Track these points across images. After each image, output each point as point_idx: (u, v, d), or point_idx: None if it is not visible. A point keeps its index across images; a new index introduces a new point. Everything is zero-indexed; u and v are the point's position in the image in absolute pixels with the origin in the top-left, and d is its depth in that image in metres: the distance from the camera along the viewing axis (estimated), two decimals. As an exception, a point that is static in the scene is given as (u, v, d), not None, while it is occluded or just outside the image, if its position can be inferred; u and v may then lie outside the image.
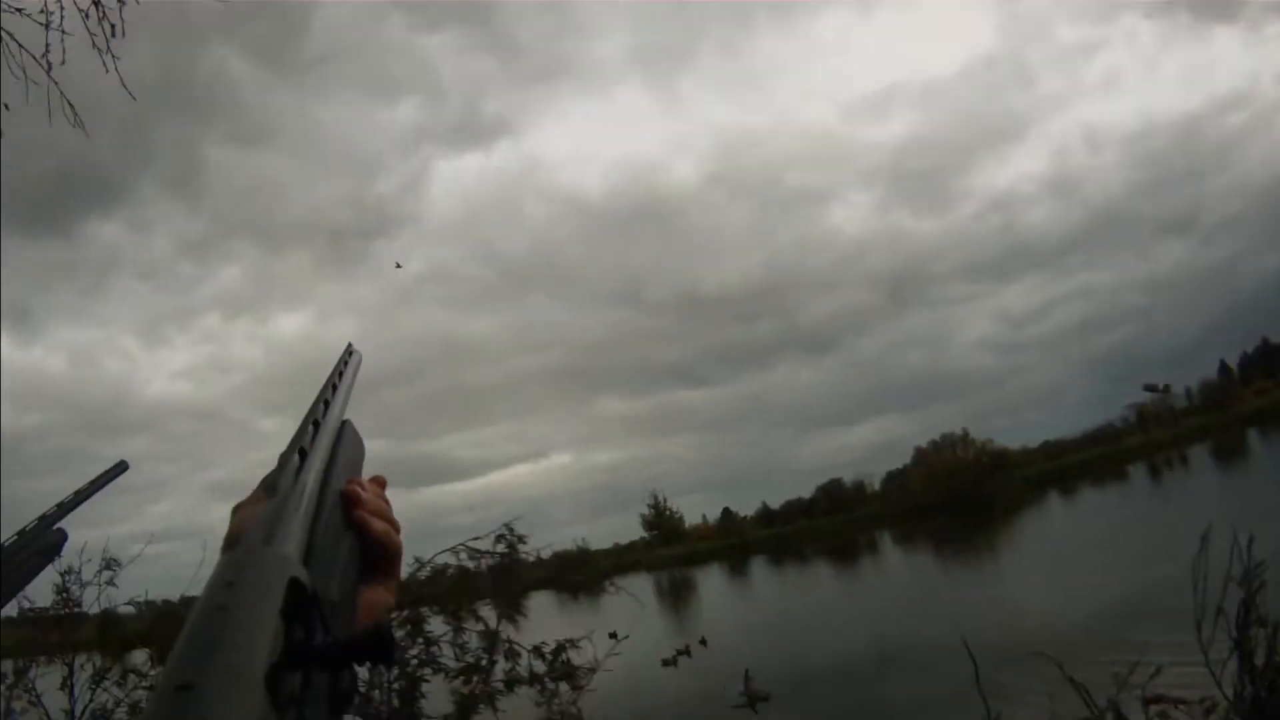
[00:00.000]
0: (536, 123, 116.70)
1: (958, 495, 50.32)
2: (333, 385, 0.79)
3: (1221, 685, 2.96)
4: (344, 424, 0.76)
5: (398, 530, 0.70)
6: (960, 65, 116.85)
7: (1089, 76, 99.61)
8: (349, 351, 0.88)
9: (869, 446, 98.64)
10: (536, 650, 4.89)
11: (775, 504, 65.63)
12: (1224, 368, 62.83)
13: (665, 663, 5.49)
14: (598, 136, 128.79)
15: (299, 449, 0.64)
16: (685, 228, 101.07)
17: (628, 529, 75.98)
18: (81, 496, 1.51)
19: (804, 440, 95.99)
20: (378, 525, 0.67)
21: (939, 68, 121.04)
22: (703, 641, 5.34)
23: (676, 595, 38.89)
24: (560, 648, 4.95)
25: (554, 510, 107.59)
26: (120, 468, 1.40)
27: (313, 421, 0.69)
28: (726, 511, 67.77)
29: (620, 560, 60.74)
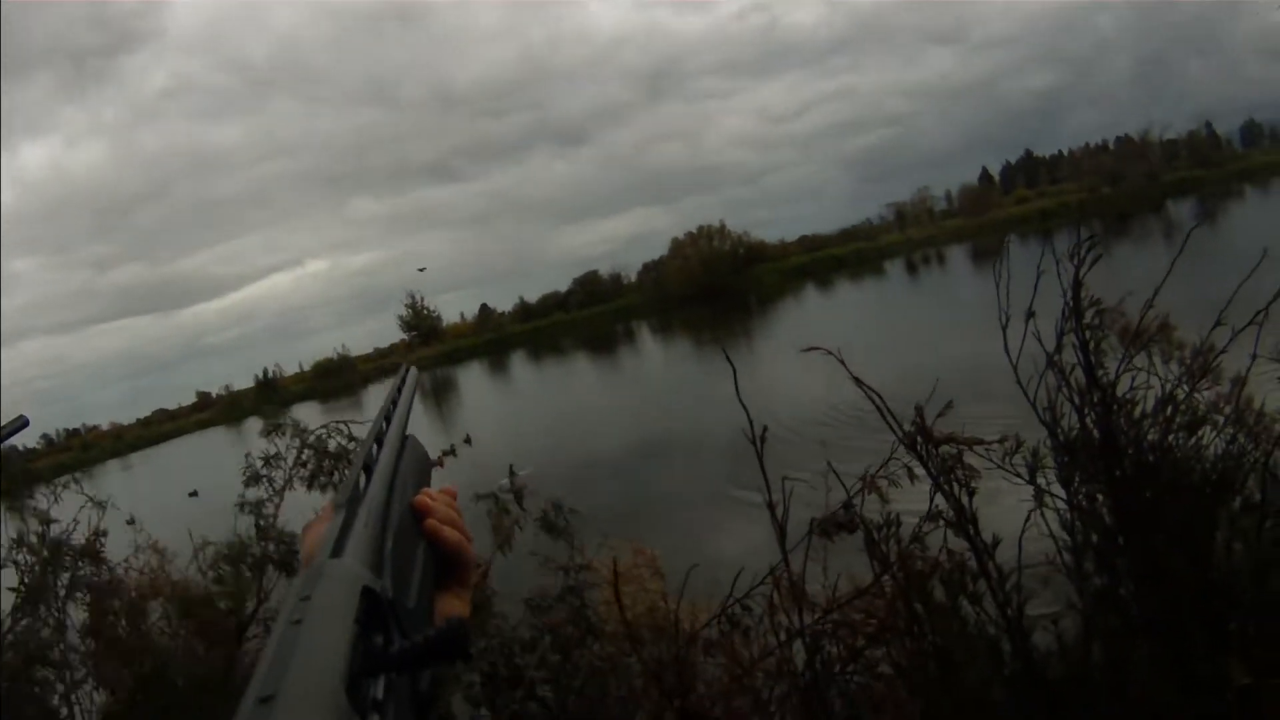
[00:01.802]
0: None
1: (714, 286, 52.01)
2: (392, 403, 0.80)
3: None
4: (407, 438, 0.77)
5: (469, 540, 0.71)
6: None
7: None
8: (406, 369, 0.89)
9: (625, 238, 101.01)
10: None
11: (532, 298, 66.58)
12: (985, 175, 67.92)
13: (432, 463, 5.55)
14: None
15: (364, 466, 0.65)
16: (436, 25, 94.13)
17: (387, 332, 74.60)
18: None
19: (559, 233, 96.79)
20: (449, 534, 0.68)
21: None
22: (467, 440, 5.22)
23: (439, 395, 38.38)
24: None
25: (313, 318, 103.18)
26: (20, 423, 1.41)
27: (375, 439, 0.70)
28: (484, 308, 68.01)
29: (381, 364, 60.04)
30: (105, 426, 69.58)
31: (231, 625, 3.83)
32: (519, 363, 47.15)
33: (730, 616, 2.94)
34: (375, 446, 0.69)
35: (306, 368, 68.09)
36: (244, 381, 69.70)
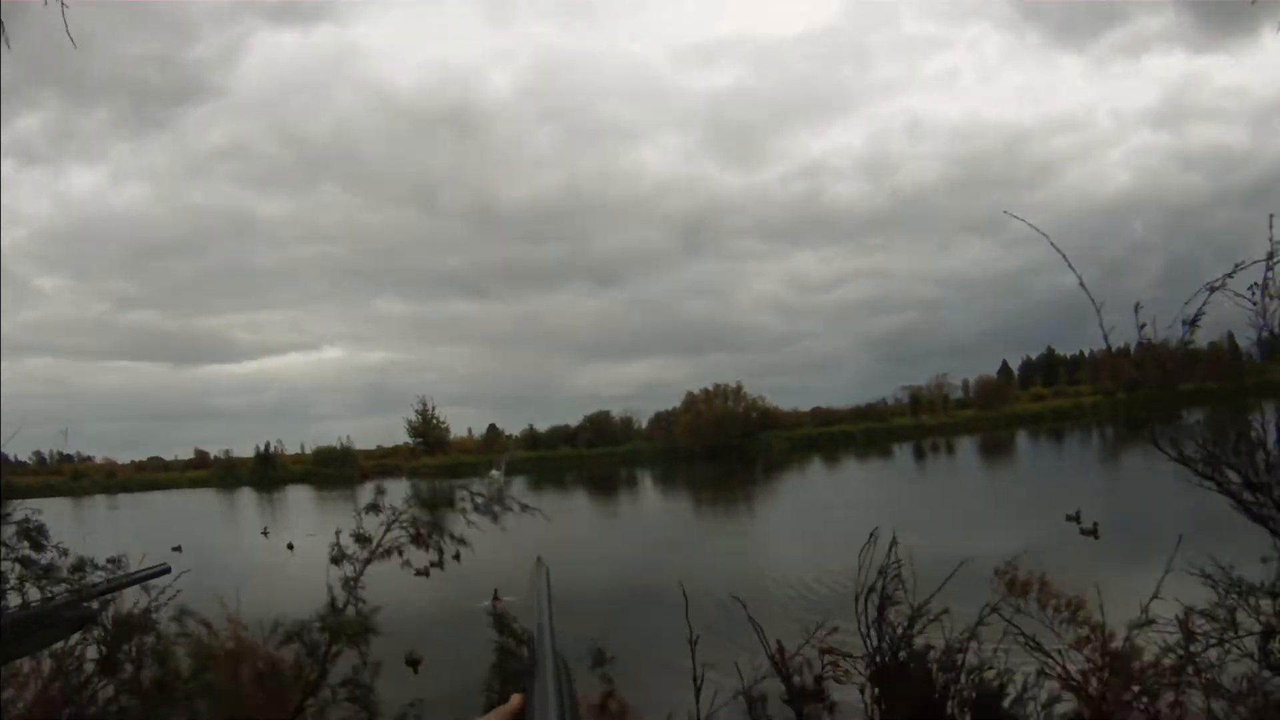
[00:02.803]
0: (362, 13, 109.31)
1: (723, 445, 51.99)
2: (542, 606, 0.87)
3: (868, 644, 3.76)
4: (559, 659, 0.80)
5: None
6: (800, 31, 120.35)
7: (926, 69, 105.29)
8: (544, 573, 0.94)
9: (642, 384, 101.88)
10: None
11: (542, 427, 66.70)
12: (1005, 368, 67.96)
13: (418, 572, 5.46)
14: (420, 35, 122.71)
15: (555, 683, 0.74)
16: (490, 140, 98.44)
17: (392, 432, 74.58)
18: (116, 586, 1.83)
19: (579, 369, 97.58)
20: None
21: (778, 29, 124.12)
22: (456, 555, 5.37)
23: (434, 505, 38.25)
24: None
25: (322, 403, 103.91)
26: (162, 569, 1.48)
27: (551, 649, 0.79)
28: (493, 428, 68.01)
29: (382, 463, 59.75)
30: (99, 460, 69.06)
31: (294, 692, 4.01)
32: (519, 488, 46.61)
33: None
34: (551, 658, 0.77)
35: (308, 450, 67.89)
36: (244, 450, 69.37)
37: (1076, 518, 20.56)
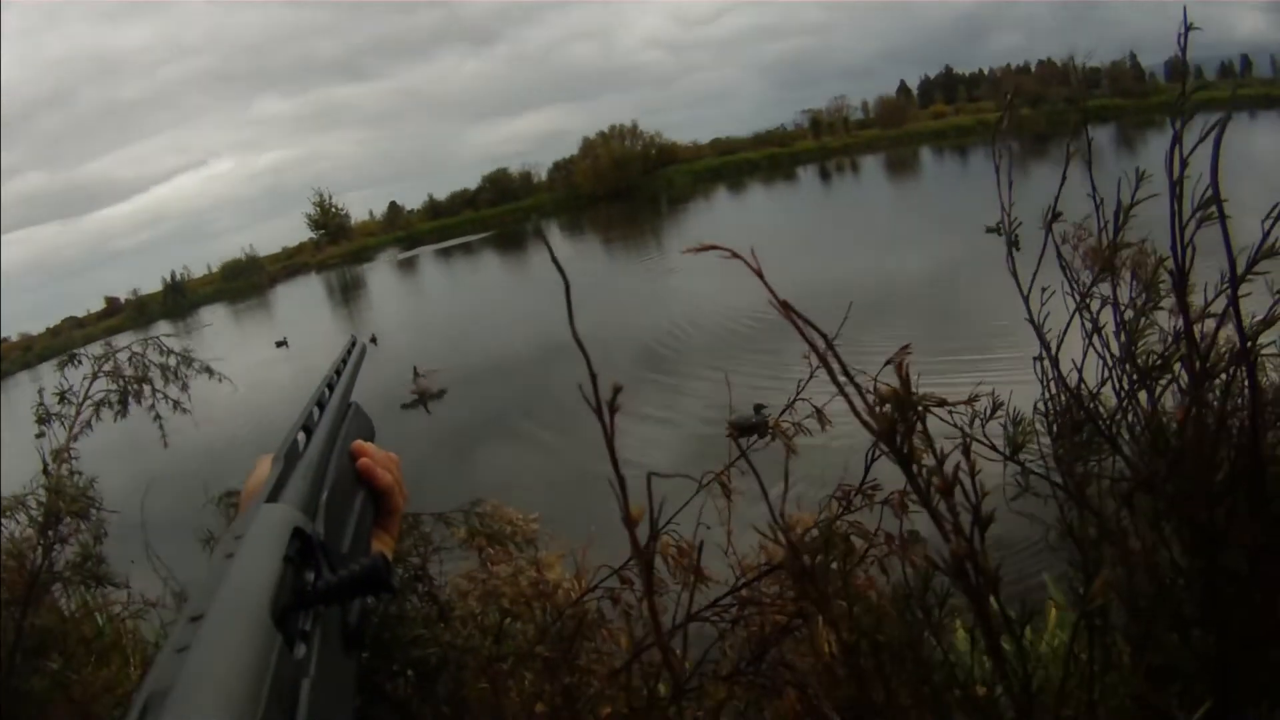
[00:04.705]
0: None
1: (625, 185, 51.73)
2: (336, 371, 0.83)
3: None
4: (351, 405, 0.80)
5: (403, 493, 0.75)
6: None
7: None
8: (352, 343, 0.92)
9: (536, 137, 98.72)
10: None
11: (441, 196, 65.20)
12: (903, 88, 66.65)
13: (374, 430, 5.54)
14: None
15: (303, 425, 0.67)
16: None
17: (296, 231, 72.60)
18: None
19: (470, 132, 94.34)
20: (382, 474, 0.72)
21: None
22: (373, 339, 4.70)
23: (347, 294, 38.64)
24: None
25: (221, 219, 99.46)
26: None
27: (317, 402, 0.72)
28: (393, 205, 66.76)
29: (289, 264, 59.20)
30: (14, 339, 67.08)
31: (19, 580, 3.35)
32: (427, 261, 46.56)
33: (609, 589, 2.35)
34: (316, 410, 0.71)
35: (215, 269, 66.49)
36: (153, 285, 67.48)
37: (997, 229, 21.69)
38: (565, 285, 1.05)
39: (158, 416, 3.69)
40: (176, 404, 3.69)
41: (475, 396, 13.59)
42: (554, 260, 1.05)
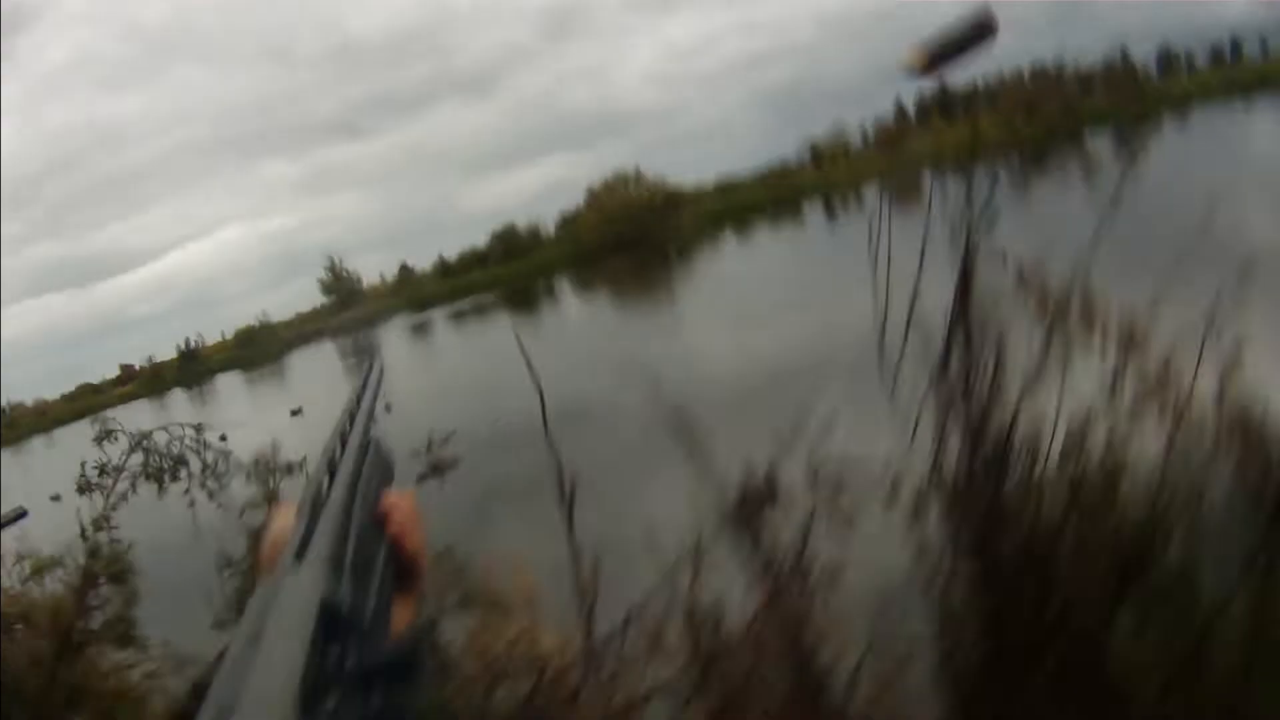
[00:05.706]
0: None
1: (632, 236, 50.67)
2: (357, 400, 0.80)
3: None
4: (372, 439, 0.77)
5: (423, 545, 0.72)
6: None
7: None
8: (370, 364, 0.91)
9: (540, 189, 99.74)
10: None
11: (451, 252, 66.19)
12: (899, 107, 65.43)
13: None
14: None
15: (328, 466, 0.65)
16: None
17: (308, 296, 73.57)
18: None
19: (473, 185, 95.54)
20: (410, 542, 0.70)
21: None
22: (388, 407, 5.48)
23: (360, 359, 38.12)
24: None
25: (231, 285, 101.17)
26: (19, 514, 1.41)
27: (340, 438, 0.71)
28: (404, 267, 67.57)
29: (303, 329, 59.59)
30: (29, 404, 67.81)
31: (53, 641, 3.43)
32: (440, 322, 46.42)
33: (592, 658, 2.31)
34: (339, 446, 0.69)
35: (229, 336, 67.31)
36: (167, 353, 68.45)
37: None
38: (540, 395, 1.19)
39: (193, 503, 3.87)
40: (211, 494, 3.93)
41: (490, 466, 13.52)
42: (528, 363, 1.18)
